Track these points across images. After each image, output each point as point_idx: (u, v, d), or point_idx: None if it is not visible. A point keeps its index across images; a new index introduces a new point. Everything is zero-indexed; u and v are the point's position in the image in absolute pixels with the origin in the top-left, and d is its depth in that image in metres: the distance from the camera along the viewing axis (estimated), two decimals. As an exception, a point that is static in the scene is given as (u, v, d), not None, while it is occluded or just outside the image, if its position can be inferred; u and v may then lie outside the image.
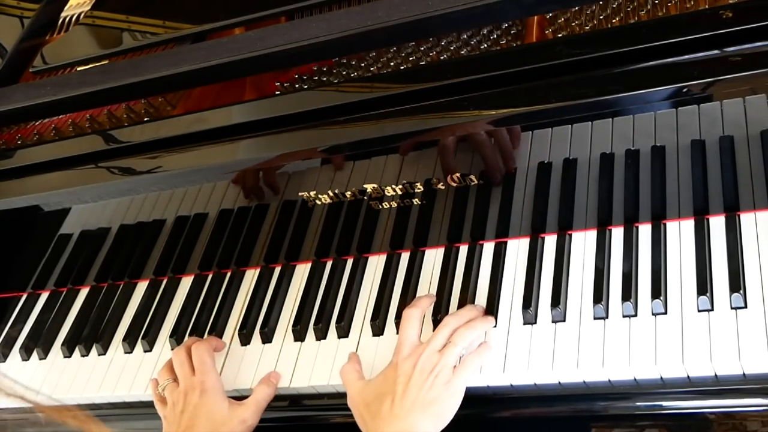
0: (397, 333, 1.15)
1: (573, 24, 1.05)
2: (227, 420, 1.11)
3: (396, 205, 1.20)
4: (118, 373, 1.28)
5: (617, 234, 1.12)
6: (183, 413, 1.12)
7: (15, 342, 1.42)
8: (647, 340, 1.01)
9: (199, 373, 1.14)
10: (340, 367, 1.12)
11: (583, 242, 1.14)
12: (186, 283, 1.37)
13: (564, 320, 1.07)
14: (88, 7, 1.47)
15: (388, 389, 1.03)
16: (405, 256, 1.24)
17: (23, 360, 1.38)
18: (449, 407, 1.02)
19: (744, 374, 0.96)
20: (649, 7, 1.02)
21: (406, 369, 1.04)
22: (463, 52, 1.10)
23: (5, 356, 1.40)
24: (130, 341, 1.31)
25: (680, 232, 1.09)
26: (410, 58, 1.13)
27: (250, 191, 1.25)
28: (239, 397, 1.16)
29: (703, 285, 1.03)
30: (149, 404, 1.25)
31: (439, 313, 1.14)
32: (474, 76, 1.06)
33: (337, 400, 1.15)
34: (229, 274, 1.34)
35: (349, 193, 1.21)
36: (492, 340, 1.08)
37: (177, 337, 1.28)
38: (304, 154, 1.17)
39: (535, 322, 1.09)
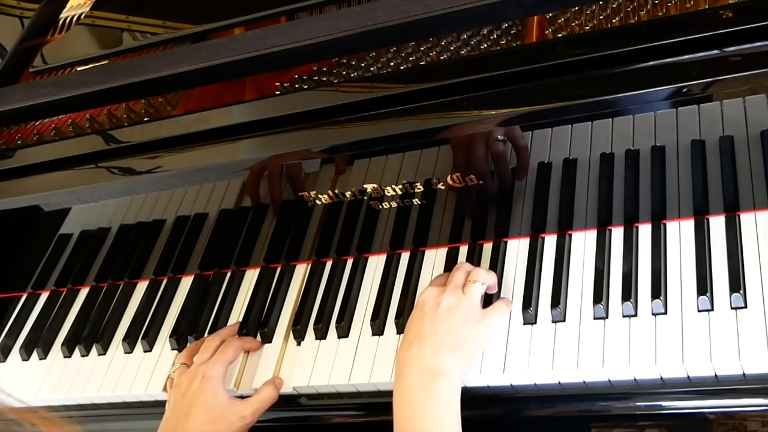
0: (398, 333, 1.15)
1: (573, 24, 1.05)
2: (226, 413, 1.10)
3: (396, 205, 1.20)
4: (118, 373, 1.28)
5: (617, 234, 1.12)
6: (183, 397, 1.12)
7: (15, 342, 1.42)
8: (647, 340, 1.01)
9: (211, 361, 1.14)
10: None
11: (583, 242, 1.14)
12: (186, 283, 1.37)
13: (564, 320, 1.07)
14: (88, 8, 1.47)
15: (415, 329, 1.03)
16: (405, 256, 1.24)
17: (23, 360, 1.38)
18: (477, 349, 1.03)
19: (744, 374, 0.96)
20: (649, 7, 1.02)
21: (432, 306, 1.04)
22: (463, 52, 1.10)
23: (5, 356, 1.40)
24: (130, 341, 1.31)
25: (680, 232, 1.09)
26: (410, 58, 1.13)
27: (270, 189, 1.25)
28: (240, 398, 1.16)
29: (703, 285, 1.03)
30: (149, 404, 1.25)
31: None
32: (474, 76, 1.06)
33: (337, 400, 1.15)
34: (229, 274, 1.34)
35: (349, 193, 1.21)
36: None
37: (177, 337, 1.28)
38: (303, 154, 1.17)
39: (535, 322, 1.09)
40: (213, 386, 1.12)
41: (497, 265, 1.16)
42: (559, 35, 1.05)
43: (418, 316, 1.06)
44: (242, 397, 1.15)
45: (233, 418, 1.10)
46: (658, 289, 1.04)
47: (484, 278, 1.09)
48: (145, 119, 1.25)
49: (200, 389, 1.11)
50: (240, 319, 1.27)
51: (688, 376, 0.99)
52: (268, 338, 1.23)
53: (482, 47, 1.09)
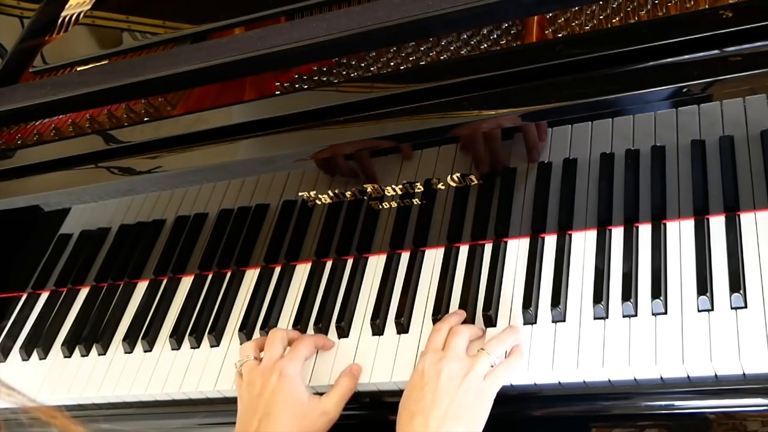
0: (398, 333, 1.15)
1: (573, 24, 1.05)
2: (308, 412, 1.05)
3: (396, 205, 1.20)
4: (118, 373, 1.28)
5: (617, 234, 1.12)
6: (260, 396, 1.06)
7: (15, 342, 1.41)
8: (647, 340, 1.01)
9: (287, 358, 1.08)
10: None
11: (583, 242, 1.14)
12: (186, 283, 1.37)
13: (564, 320, 1.07)
14: (88, 7, 1.47)
15: (416, 396, 1.00)
16: (405, 256, 1.24)
17: (23, 360, 1.38)
18: (482, 416, 0.99)
19: (744, 374, 0.97)
20: (649, 7, 1.02)
21: (433, 375, 1.00)
22: (463, 52, 1.10)
23: (5, 356, 1.40)
24: (130, 341, 1.31)
25: (680, 232, 1.09)
26: (410, 58, 1.13)
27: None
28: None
29: (703, 285, 1.03)
30: (149, 404, 1.25)
31: (438, 313, 1.14)
32: (474, 76, 1.06)
33: (337, 400, 1.15)
34: (229, 274, 1.34)
35: (349, 193, 1.21)
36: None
37: (177, 337, 1.28)
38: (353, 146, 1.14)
39: (535, 322, 1.09)
40: (292, 384, 1.06)
41: (497, 265, 1.16)
42: (559, 35, 1.05)
43: (418, 385, 1.01)
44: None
45: (316, 414, 1.06)
46: (658, 289, 1.04)
47: (499, 352, 1.03)
48: (145, 119, 1.25)
49: (279, 387, 1.05)
50: (240, 319, 1.27)
51: (688, 376, 0.99)
52: (268, 338, 1.23)
53: (482, 47, 1.09)
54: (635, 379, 1.01)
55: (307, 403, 1.06)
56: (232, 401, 1.14)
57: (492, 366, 1.02)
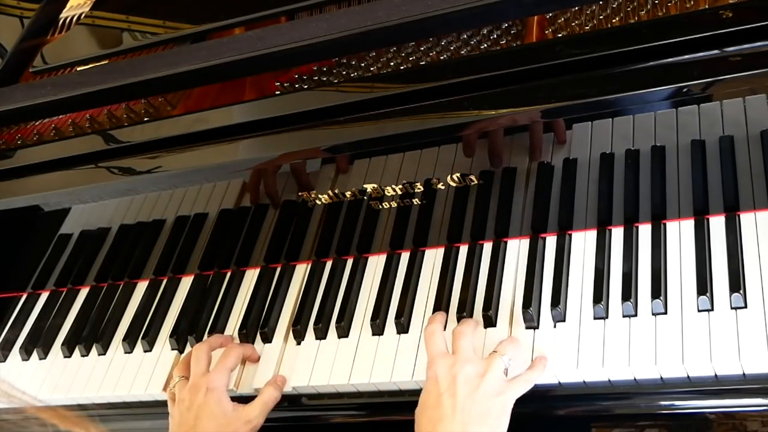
0: (398, 333, 1.15)
1: (573, 24, 1.05)
2: (231, 421, 1.10)
3: (396, 205, 1.21)
4: (118, 373, 1.28)
5: (617, 234, 1.12)
6: (189, 410, 1.11)
7: (15, 342, 1.41)
8: (647, 340, 1.01)
9: (213, 372, 1.14)
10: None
11: (583, 242, 1.14)
12: (186, 283, 1.37)
13: (564, 320, 1.07)
14: (88, 7, 1.48)
15: (434, 403, 0.99)
16: (405, 256, 1.24)
17: (23, 360, 1.38)
18: (505, 419, 0.99)
19: (744, 374, 0.97)
20: (649, 7, 1.02)
21: (449, 381, 1.00)
22: (463, 52, 1.10)
23: (5, 356, 1.40)
24: (130, 341, 1.31)
25: (680, 232, 1.09)
26: (410, 58, 1.13)
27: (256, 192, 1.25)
28: (240, 398, 1.16)
29: (703, 285, 1.03)
30: (149, 404, 1.25)
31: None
32: (474, 76, 1.06)
33: (336, 400, 1.15)
34: (229, 274, 1.34)
35: (349, 193, 1.21)
36: (493, 341, 1.08)
37: (177, 337, 1.28)
38: (304, 154, 1.17)
39: (535, 322, 1.09)
40: (217, 396, 1.11)
41: (497, 265, 1.16)
42: (559, 35, 1.05)
43: (435, 392, 1.00)
44: (242, 398, 1.15)
45: (239, 423, 1.10)
46: (658, 289, 1.04)
47: (512, 353, 1.03)
48: (145, 119, 1.25)
49: (205, 401, 1.11)
50: (240, 319, 1.27)
51: (688, 376, 0.99)
52: (268, 338, 1.23)
53: (482, 47, 1.09)
54: (635, 379, 1.01)
55: (232, 413, 1.11)
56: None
57: (506, 366, 1.02)
